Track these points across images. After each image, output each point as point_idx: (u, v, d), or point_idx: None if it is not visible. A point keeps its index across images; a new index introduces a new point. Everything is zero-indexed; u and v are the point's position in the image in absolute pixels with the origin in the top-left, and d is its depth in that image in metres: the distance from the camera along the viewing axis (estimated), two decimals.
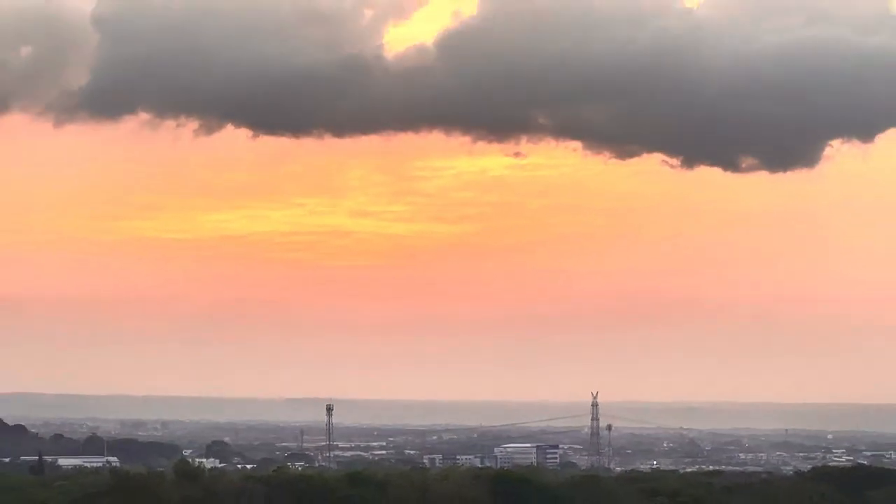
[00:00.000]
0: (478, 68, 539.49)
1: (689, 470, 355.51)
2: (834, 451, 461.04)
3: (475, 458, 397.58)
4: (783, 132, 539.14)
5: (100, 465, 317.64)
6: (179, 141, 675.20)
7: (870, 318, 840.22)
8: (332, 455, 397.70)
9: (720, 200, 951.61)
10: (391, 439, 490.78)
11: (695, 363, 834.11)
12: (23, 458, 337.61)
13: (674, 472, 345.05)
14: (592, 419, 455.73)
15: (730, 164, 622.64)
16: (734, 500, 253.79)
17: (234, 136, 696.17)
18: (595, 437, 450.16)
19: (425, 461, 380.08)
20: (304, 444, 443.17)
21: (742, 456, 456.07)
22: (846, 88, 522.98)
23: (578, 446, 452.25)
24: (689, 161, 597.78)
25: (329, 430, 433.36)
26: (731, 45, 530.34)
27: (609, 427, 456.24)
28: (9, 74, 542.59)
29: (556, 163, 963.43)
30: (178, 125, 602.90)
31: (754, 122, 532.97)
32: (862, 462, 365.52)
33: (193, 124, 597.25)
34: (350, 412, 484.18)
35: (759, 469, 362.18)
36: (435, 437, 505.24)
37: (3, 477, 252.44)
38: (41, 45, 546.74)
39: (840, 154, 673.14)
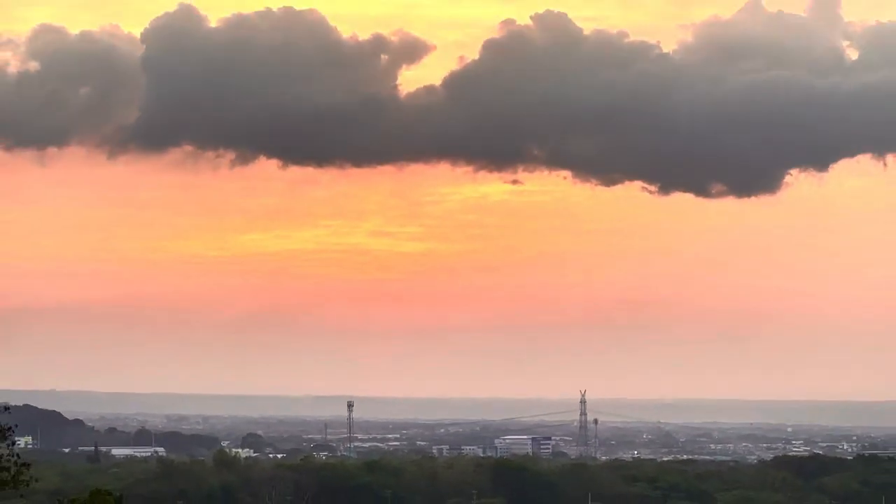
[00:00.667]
0: (480, 106, 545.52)
1: (665, 459, 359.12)
2: (793, 442, 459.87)
3: (478, 448, 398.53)
4: (748, 162, 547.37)
5: (148, 454, 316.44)
6: (218, 170, 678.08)
7: (823, 326, 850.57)
8: (352, 446, 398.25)
9: (693, 222, 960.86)
10: (404, 432, 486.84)
11: (671, 365, 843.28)
12: (81, 448, 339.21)
13: (652, 460, 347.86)
14: (581, 414, 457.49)
15: (701, 191, 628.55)
16: (705, 485, 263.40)
17: (266, 166, 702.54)
18: (583, 430, 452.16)
19: (434, 451, 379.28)
20: (328, 437, 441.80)
21: (712, 446, 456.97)
22: (803, 123, 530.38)
23: (569, 438, 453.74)
24: (666, 188, 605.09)
25: (350, 423, 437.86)
26: (702, 86, 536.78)
27: (595, 421, 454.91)
28: (69, 112, 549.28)
29: (549, 189, 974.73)
30: (217, 156, 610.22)
31: (723, 153, 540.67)
32: (817, 452, 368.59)
33: (230, 155, 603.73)
34: (368, 408, 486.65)
35: (727, 458, 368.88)
36: (442, 430, 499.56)
37: (65, 464, 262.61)
38: (97, 85, 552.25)
39: (798, 181, 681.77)
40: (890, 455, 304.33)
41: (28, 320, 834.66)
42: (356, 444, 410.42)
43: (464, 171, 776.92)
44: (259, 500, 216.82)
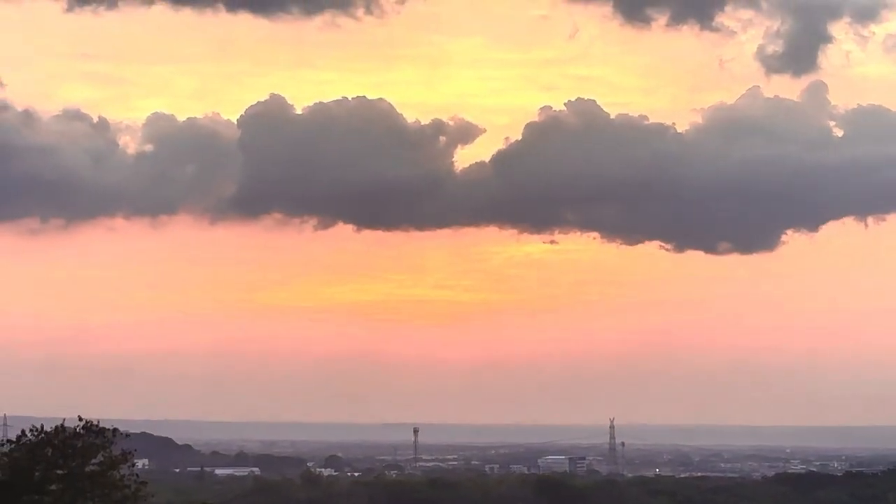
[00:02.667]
0: (522, 179, 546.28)
1: (682, 475, 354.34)
2: (791, 461, 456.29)
3: (523, 466, 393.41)
4: (750, 224, 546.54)
5: (245, 473, 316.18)
6: (303, 234, 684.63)
7: (816, 362, 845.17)
8: (417, 465, 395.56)
9: (704, 276, 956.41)
10: (461, 453, 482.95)
11: (687, 396, 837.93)
12: (189, 469, 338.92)
13: (671, 477, 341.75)
14: (610, 438, 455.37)
15: (711, 248, 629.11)
16: (717, 498, 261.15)
17: (343, 230, 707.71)
18: (612, 451, 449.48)
19: (486, 469, 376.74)
20: (397, 457, 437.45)
21: (723, 465, 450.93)
22: (796, 192, 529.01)
23: (600, 458, 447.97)
24: (680, 246, 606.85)
25: (415, 446, 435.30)
26: (710, 160, 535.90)
27: (622, 444, 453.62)
28: (177, 186, 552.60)
29: (581, 248, 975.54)
30: (301, 222, 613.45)
31: (728, 217, 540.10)
32: (812, 469, 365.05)
33: (313, 221, 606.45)
34: (430, 433, 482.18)
35: (735, 475, 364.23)
36: (493, 452, 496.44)
37: (175, 483, 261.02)
38: (201, 164, 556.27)
39: (793, 240, 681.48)
40: (874, 472, 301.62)
41: (145, 361, 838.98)
42: (420, 463, 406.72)
43: (509, 233, 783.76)
44: None
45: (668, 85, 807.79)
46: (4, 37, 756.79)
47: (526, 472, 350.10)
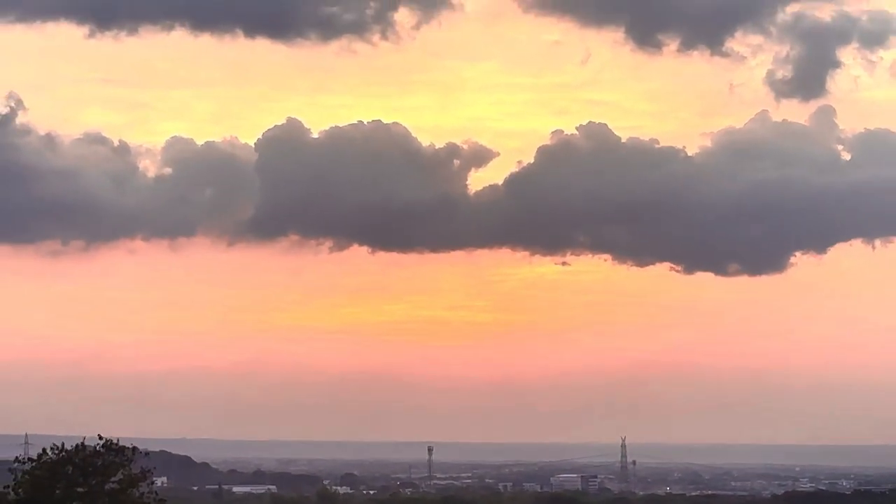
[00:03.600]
0: (535, 202, 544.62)
1: (693, 493, 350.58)
2: (801, 480, 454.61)
3: (536, 484, 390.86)
4: (759, 246, 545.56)
5: (263, 491, 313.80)
6: (319, 255, 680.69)
7: (825, 382, 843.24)
8: (432, 483, 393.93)
9: (713, 297, 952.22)
10: (475, 471, 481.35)
11: (697, 415, 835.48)
12: (207, 486, 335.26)
13: (682, 495, 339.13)
14: (622, 456, 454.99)
15: (720, 270, 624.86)
16: None
17: (359, 252, 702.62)
18: (624, 470, 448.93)
19: (500, 487, 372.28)
20: (412, 475, 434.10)
21: (733, 483, 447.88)
22: (804, 214, 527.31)
23: (612, 476, 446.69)
24: (690, 268, 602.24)
25: (430, 464, 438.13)
26: (720, 183, 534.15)
27: (634, 462, 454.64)
28: (195, 209, 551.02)
29: (592, 270, 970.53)
30: (317, 244, 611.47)
31: (738, 239, 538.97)
32: (821, 488, 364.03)
33: (329, 243, 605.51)
34: (444, 452, 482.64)
35: (745, 493, 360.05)
36: (507, 470, 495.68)
37: (193, 501, 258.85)
38: (218, 187, 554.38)
39: (801, 262, 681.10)
40: (882, 490, 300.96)
41: (164, 381, 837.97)
42: (435, 481, 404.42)
43: (522, 255, 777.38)
44: None
45: (678, 109, 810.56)
46: (27, 61, 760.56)
47: (539, 490, 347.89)
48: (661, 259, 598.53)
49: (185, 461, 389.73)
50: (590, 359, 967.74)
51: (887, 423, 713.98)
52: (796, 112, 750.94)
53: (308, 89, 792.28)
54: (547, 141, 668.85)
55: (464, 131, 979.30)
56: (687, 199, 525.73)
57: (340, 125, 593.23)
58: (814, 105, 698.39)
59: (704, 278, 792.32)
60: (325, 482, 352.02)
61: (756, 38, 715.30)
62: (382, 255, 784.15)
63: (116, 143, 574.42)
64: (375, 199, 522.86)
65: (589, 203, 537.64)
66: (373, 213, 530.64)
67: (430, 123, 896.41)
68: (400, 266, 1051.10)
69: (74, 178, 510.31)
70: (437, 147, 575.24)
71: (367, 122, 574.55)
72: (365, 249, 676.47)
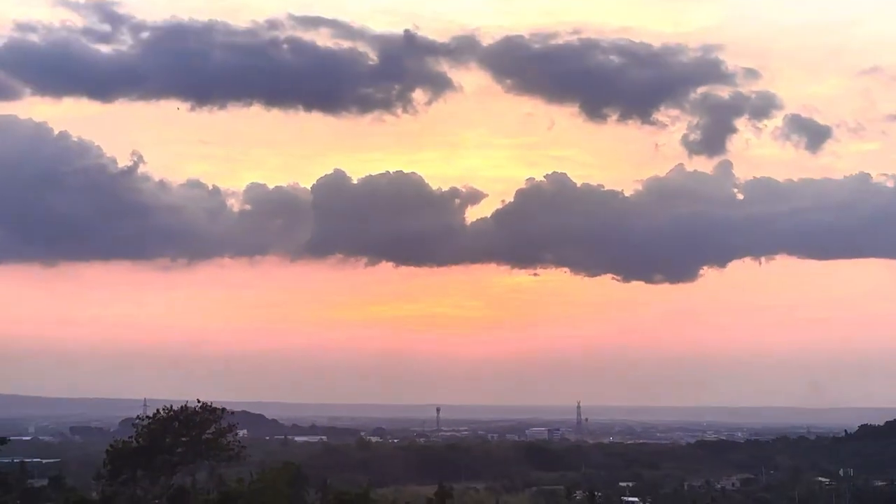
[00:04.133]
0: (514, 230, 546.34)
1: (629, 442, 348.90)
2: (707, 432, 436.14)
3: (515, 436, 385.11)
4: (678, 262, 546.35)
5: (316, 441, 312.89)
6: (357, 269, 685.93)
7: (723, 359, 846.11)
8: (439, 434, 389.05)
9: (645, 299, 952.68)
10: (471, 426, 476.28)
11: (633, 384, 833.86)
12: (275, 437, 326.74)
13: (622, 443, 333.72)
14: (577, 415, 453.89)
15: (650, 280, 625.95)
16: (653, 459, 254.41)
17: (386, 267, 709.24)
18: (579, 425, 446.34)
19: (489, 437, 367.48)
20: (424, 429, 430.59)
21: (658, 435, 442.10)
22: (711, 238, 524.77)
23: (570, 430, 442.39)
24: (627, 278, 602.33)
25: (437, 421, 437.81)
26: (648, 216, 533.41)
27: (587, 419, 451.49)
28: (267, 235, 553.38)
29: (556, 279, 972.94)
30: (356, 261, 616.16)
31: (662, 256, 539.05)
32: (722, 438, 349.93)
33: (365, 260, 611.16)
34: (449, 411, 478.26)
35: (667, 442, 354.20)
36: (494, 425, 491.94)
37: (266, 447, 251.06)
38: (285, 219, 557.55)
39: (708, 273, 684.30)
40: (766, 440, 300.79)
41: (245, 359, 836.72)
42: (441, 433, 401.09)
43: (504, 268, 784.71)
44: (386, 469, 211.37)
45: (618, 162, 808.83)
46: (146, 127, 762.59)
47: (517, 439, 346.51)
48: (606, 271, 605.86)
49: (260, 418, 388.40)
50: (554, 343, 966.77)
51: (771, 390, 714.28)
52: (704, 165, 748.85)
53: (350, 148, 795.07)
54: (523, 185, 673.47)
55: (462, 178, 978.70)
56: (624, 227, 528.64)
57: (373, 174, 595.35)
58: (716, 160, 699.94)
59: (637, 286, 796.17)
60: (362, 434, 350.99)
61: (674, 111, 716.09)
62: (403, 269, 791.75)
63: (211, 187, 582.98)
64: (398, 228, 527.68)
65: (553, 231, 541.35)
66: (396, 238, 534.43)
67: (438, 173, 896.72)
68: (416, 276, 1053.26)
69: (180, 212, 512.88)
70: (443, 190, 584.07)
71: (392, 172, 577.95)
72: (391, 264, 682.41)
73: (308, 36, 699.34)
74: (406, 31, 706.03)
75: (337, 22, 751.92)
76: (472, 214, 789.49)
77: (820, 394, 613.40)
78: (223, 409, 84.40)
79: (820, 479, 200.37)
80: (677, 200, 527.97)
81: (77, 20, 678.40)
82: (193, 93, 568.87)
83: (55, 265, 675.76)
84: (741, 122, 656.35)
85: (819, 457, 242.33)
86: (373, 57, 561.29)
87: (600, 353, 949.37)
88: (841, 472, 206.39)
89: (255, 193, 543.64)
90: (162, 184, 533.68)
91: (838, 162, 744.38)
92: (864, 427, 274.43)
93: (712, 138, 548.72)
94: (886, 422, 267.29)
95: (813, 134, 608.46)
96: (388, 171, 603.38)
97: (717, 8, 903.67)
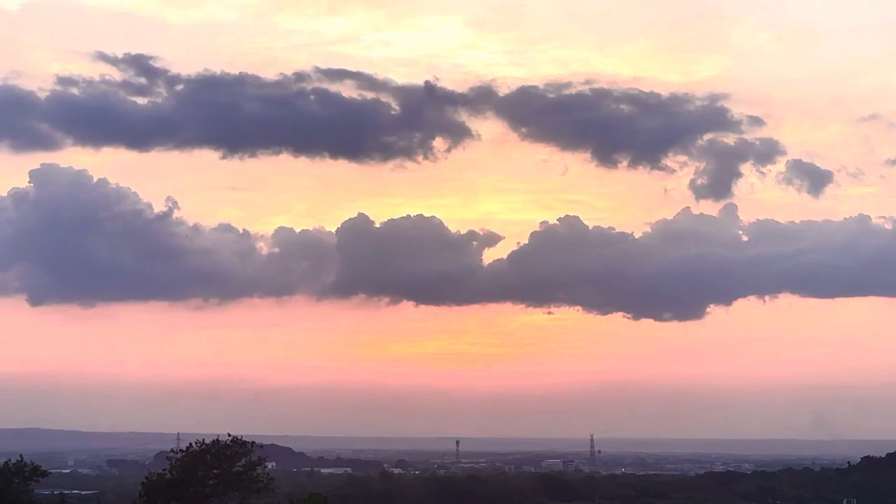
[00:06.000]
0: (529, 270, 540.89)
1: (640, 473, 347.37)
2: (715, 463, 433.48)
3: (531, 467, 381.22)
4: (686, 301, 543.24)
5: (342, 472, 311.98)
6: (379, 308, 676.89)
7: (731, 392, 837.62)
8: (458, 466, 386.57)
9: (654, 336, 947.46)
10: (489, 457, 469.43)
11: (644, 417, 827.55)
12: (302, 469, 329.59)
13: (633, 474, 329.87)
14: (591, 447, 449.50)
15: (659, 317, 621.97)
16: (664, 489, 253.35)
17: (407, 306, 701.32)
18: (592, 456, 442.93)
19: (506, 469, 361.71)
20: (444, 461, 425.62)
21: (668, 466, 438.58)
22: (717, 278, 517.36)
23: (584, 461, 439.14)
24: (637, 316, 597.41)
25: (457, 453, 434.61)
26: (657, 257, 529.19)
27: (599, 451, 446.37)
28: (295, 276, 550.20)
29: (569, 317, 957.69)
30: (379, 300, 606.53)
31: (670, 295, 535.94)
32: (730, 469, 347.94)
33: (387, 300, 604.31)
34: (468, 444, 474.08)
35: (677, 473, 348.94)
36: (511, 456, 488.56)
37: (292, 479, 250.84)
38: (311, 260, 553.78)
39: (715, 312, 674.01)
40: (773, 471, 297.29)
41: (274, 394, 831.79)
42: (460, 464, 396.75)
43: (520, 307, 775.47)
44: (407, 499, 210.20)
45: (628, 206, 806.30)
46: (180, 175, 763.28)
47: (533, 470, 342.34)
48: (617, 310, 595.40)
49: (288, 451, 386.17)
50: (568, 378, 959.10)
51: (776, 423, 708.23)
52: (710, 208, 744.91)
53: (373, 193, 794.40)
54: (537, 228, 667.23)
55: (480, 222, 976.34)
56: (634, 268, 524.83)
57: (395, 218, 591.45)
58: (722, 203, 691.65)
59: (647, 323, 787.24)
60: (385, 465, 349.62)
61: (682, 157, 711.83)
62: (423, 308, 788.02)
63: (241, 231, 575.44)
64: (419, 269, 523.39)
65: (566, 271, 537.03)
66: (417, 279, 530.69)
67: (457, 216, 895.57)
68: (436, 316, 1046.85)
69: (212, 255, 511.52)
70: (461, 233, 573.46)
71: (413, 216, 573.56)
72: (412, 304, 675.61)
73: (334, 87, 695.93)
74: (426, 82, 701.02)
75: (361, 74, 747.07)
76: (489, 256, 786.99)
77: (824, 426, 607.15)
78: (253, 443, 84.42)
79: None
80: (685, 242, 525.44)
81: (115, 74, 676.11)
82: (225, 142, 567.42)
83: (94, 306, 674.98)
84: (746, 168, 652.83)
85: (823, 487, 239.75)
86: (395, 107, 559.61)
87: (612, 387, 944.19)
88: (844, 501, 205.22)
89: (283, 237, 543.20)
90: (195, 228, 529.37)
91: (839, 205, 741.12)
92: (866, 458, 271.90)
93: (718, 183, 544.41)
94: (888, 453, 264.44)
95: (815, 178, 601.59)
96: (409, 215, 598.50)
97: (724, 59, 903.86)
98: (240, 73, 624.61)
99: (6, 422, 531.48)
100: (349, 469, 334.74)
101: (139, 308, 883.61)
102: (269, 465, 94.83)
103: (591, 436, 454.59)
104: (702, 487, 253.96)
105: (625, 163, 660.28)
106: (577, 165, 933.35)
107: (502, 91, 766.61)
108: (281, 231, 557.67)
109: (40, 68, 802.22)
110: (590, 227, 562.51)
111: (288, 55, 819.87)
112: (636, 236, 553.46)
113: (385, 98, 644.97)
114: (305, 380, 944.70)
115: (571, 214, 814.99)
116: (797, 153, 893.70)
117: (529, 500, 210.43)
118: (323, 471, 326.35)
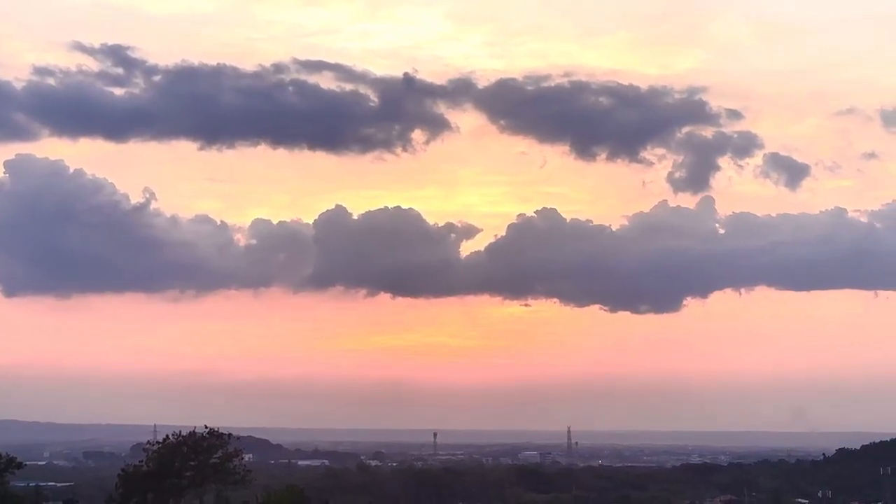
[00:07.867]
0: (506, 263, 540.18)
1: (617, 465, 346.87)
2: (692, 455, 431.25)
3: (509, 459, 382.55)
4: (662, 293, 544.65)
5: (319, 464, 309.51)
6: (357, 300, 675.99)
7: (707, 385, 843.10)
8: (436, 458, 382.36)
9: (630, 328, 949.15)
10: (466, 450, 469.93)
11: (620, 409, 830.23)
12: (279, 461, 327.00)
13: (610, 466, 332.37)
14: (568, 439, 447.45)
15: (636, 310, 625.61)
16: (641, 481, 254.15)
17: (384, 298, 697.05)
18: (569, 449, 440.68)
19: (483, 461, 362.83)
20: (422, 453, 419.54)
21: (645, 458, 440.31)
22: (693, 271, 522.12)
23: (561, 453, 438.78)
24: (614, 308, 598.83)
25: (434, 445, 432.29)
26: (634, 250, 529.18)
27: (576, 443, 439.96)
28: (271, 268, 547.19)
29: (546, 309, 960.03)
30: (356, 292, 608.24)
31: (647, 288, 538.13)
32: (706, 461, 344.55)
33: (364, 291, 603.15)
34: (445, 436, 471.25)
35: (654, 465, 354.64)
36: (488, 448, 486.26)
37: (270, 471, 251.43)
38: (288, 252, 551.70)
39: (691, 304, 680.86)
40: (749, 463, 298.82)
41: (250, 386, 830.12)
42: (438, 456, 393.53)
43: (497, 299, 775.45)
44: (385, 491, 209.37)
45: (606, 199, 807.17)
46: (158, 166, 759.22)
47: (511, 462, 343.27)
48: (594, 302, 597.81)
49: (265, 443, 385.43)
50: (545, 370, 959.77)
51: (752, 415, 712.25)
52: (688, 201, 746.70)
53: (351, 185, 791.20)
54: (515, 220, 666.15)
55: (458, 214, 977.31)
56: (612, 260, 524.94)
57: (373, 210, 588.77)
58: (700, 196, 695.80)
59: (624, 315, 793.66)
60: (362, 457, 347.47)
61: (660, 150, 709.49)
62: (401, 300, 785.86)
63: (218, 222, 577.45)
64: (397, 261, 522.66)
65: (544, 264, 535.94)
66: (395, 271, 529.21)
67: (435, 209, 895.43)
68: (414, 307, 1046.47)
69: (189, 246, 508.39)
70: (439, 225, 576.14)
71: (391, 208, 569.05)
72: (389, 296, 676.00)
73: (312, 79, 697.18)
74: (405, 74, 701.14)
75: (339, 66, 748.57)
76: (467, 248, 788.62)
77: (799, 419, 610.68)
78: (230, 435, 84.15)
79: (800, 500, 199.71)
80: (662, 235, 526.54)
81: (92, 64, 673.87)
82: (203, 133, 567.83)
83: (69, 297, 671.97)
84: (724, 161, 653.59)
85: (799, 479, 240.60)
86: (374, 99, 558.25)
87: (589, 379, 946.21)
88: (820, 493, 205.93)
89: (261, 228, 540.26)
90: (173, 219, 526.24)
91: (815, 198, 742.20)
92: (841, 451, 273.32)
93: (696, 176, 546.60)
94: (862, 445, 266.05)
95: (792, 171, 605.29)
96: (387, 207, 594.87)
97: (702, 52, 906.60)
98: (218, 63, 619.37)
99: None
100: (326, 461, 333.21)
101: (115, 300, 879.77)
102: (246, 457, 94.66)
103: (569, 428, 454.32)
104: (678, 479, 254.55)
105: (603, 155, 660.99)
106: (556, 158, 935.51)
107: (481, 83, 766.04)
108: (258, 223, 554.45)
109: (16, 58, 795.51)
110: (567, 220, 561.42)
111: (266, 46, 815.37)
112: (613, 229, 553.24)
113: (364, 90, 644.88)
114: (282, 371, 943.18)
115: (549, 207, 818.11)
116: (775, 146, 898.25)
117: (506, 493, 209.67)
118: (300, 463, 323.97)
